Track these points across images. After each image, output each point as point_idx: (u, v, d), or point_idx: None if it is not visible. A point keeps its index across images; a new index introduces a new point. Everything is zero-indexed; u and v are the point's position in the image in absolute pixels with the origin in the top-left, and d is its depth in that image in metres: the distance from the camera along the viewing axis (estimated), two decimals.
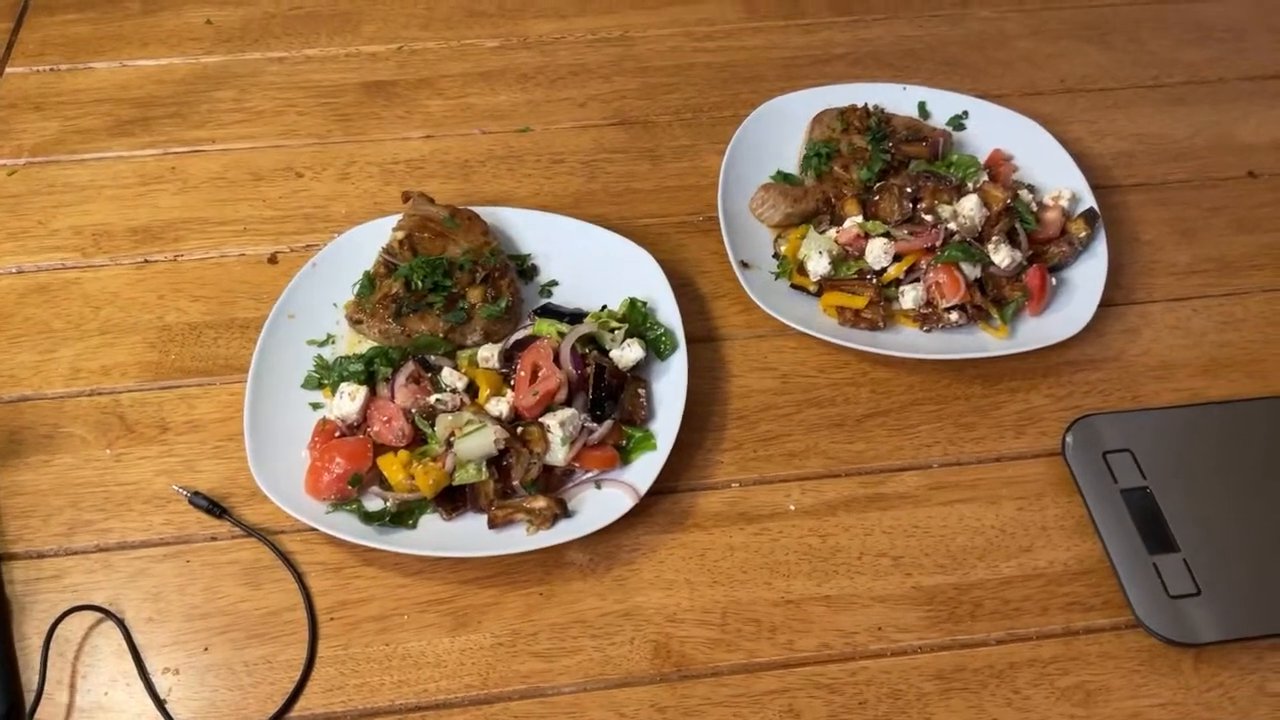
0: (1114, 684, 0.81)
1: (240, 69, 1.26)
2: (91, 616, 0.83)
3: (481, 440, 0.86)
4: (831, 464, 0.93)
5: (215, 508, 0.88)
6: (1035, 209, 1.05)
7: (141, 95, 1.23)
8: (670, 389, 0.94)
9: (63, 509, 0.89)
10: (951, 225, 1.01)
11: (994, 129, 1.15)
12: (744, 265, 1.03)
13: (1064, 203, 1.06)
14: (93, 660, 0.81)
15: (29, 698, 0.79)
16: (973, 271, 0.99)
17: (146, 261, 1.07)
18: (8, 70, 1.25)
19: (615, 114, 1.22)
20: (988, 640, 0.83)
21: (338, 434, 0.89)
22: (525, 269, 1.04)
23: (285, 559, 0.86)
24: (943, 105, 1.18)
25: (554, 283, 1.04)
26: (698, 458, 0.93)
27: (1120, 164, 1.18)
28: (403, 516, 0.86)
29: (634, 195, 1.14)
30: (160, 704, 0.79)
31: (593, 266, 1.03)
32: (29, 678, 0.80)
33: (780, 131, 1.15)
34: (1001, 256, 1.00)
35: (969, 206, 1.02)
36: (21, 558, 0.86)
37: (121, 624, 0.82)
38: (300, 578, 0.85)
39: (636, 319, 0.97)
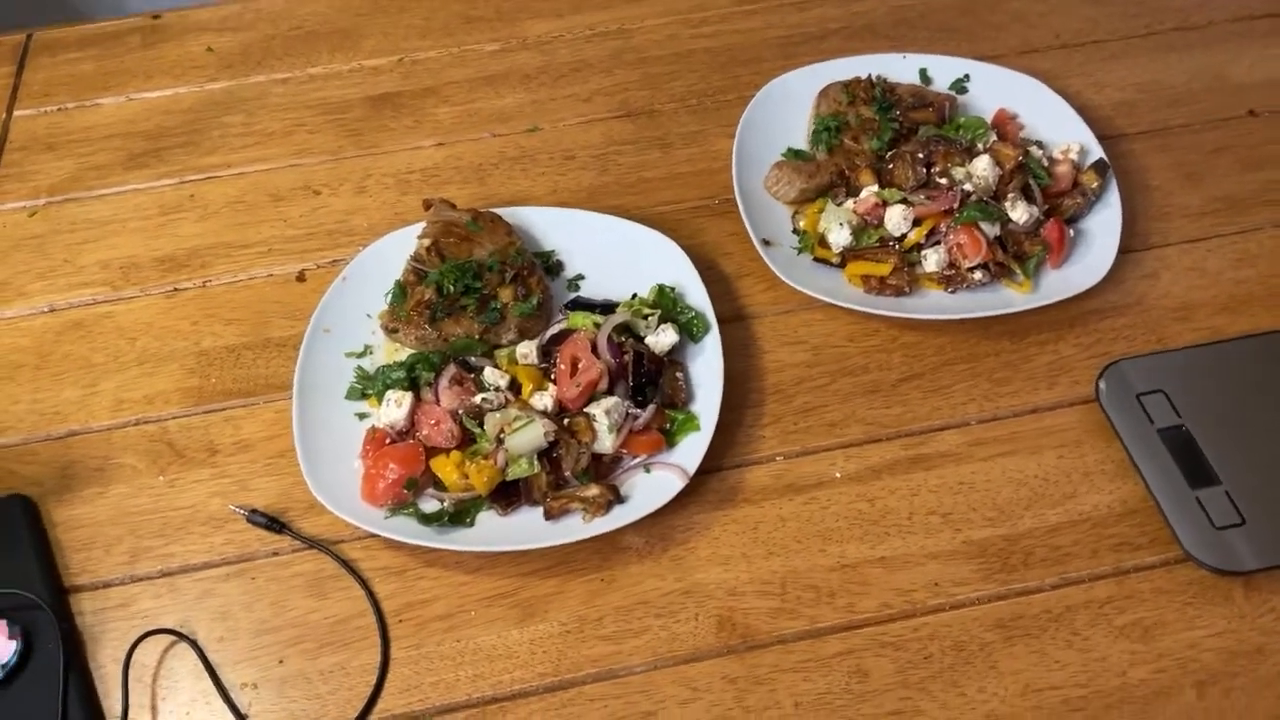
0: (1169, 617, 0.83)
1: (246, 93, 1.27)
2: (164, 640, 0.85)
3: (532, 434, 0.87)
4: (871, 429, 0.95)
5: (274, 523, 0.90)
6: (1046, 164, 1.07)
7: (151, 127, 1.24)
8: (706, 370, 0.96)
9: (123, 538, 0.90)
10: (967, 186, 1.03)
11: (996, 90, 1.17)
12: (766, 243, 1.04)
13: (1074, 156, 1.08)
14: (171, 682, 0.83)
15: None
16: (992, 230, 1.01)
17: (176, 290, 1.08)
18: (16, 113, 1.25)
19: (620, 106, 1.24)
20: (1042, 586, 0.85)
21: (388, 441, 0.91)
22: (550, 265, 1.06)
23: (349, 567, 0.88)
24: (943, 70, 1.19)
25: (580, 276, 1.05)
26: (740, 435, 0.95)
27: (1122, 113, 1.20)
28: (460, 515, 0.88)
29: (648, 184, 1.15)
30: (243, 719, 0.81)
31: (616, 257, 1.04)
32: (110, 705, 0.82)
33: (786, 110, 1.17)
34: (1019, 213, 1.01)
35: (982, 166, 1.03)
36: (88, 589, 0.88)
37: (195, 644, 0.84)
38: (365, 583, 0.87)
39: (667, 304, 0.99)
